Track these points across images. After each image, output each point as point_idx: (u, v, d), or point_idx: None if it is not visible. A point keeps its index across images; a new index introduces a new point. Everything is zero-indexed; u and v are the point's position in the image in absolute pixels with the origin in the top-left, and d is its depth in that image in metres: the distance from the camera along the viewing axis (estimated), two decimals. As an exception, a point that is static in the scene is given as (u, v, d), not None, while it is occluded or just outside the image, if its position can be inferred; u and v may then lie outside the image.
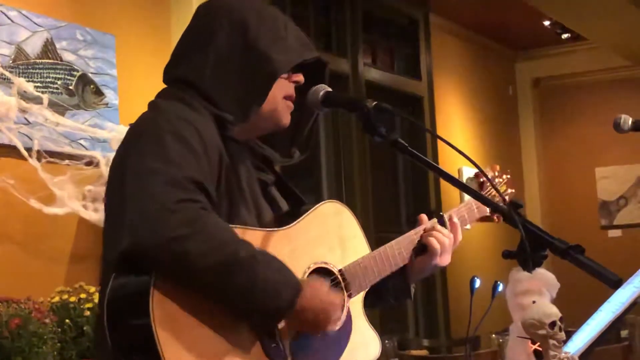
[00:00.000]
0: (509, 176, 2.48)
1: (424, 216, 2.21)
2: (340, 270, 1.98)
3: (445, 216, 2.21)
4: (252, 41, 1.94)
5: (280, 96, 1.98)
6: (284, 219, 1.97)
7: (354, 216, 2.09)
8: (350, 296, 1.98)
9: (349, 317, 1.97)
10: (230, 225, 1.80)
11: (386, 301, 2.21)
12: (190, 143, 1.79)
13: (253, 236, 1.83)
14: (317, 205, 2.02)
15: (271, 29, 1.96)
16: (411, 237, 2.15)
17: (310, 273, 1.93)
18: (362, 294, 2.03)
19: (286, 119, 2.01)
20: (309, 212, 1.99)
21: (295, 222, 1.95)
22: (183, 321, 1.70)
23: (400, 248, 2.12)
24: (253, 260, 1.72)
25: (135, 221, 1.69)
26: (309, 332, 1.85)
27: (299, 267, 1.90)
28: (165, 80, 2.00)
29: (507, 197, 2.44)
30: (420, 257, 2.15)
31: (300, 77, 2.02)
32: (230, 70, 1.93)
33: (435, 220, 2.19)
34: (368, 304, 2.07)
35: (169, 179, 1.72)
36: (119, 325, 1.73)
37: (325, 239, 2.00)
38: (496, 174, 2.45)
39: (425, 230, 2.16)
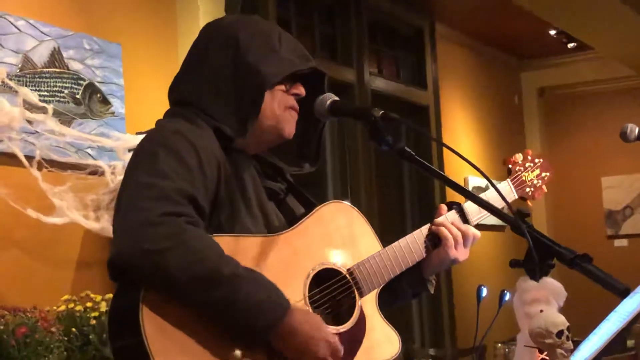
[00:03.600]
0: (542, 160, 2.46)
1: (443, 206, 2.19)
2: (349, 270, 1.97)
3: (466, 208, 2.17)
4: (243, 55, 1.95)
5: (279, 108, 1.99)
6: (285, 226, 1.97)
7: (362, 215, 2.08)
8: (361, 295, 1.97)
9: (362, 316, 1.96)
10: (227, 235, 1.81)
11: (403, 298, 2.19)
12: (183, 156, 1.81)
13: (251, 243, 1.83)
14: (319, 207, 2.01)
15: (263, 42, 1.98)
16: (426, 231, 2.14)
17: (317, 274, 1.92)
18: (375, 292, 2.01)
19: (289, 130, 2.02)
20: (309, 214, 1.99)
21: (295, 225, 1.94)
22: (176, 335, 1.71)
23: (415, 243, 2.11)
24: (236, 277, 1.71)
25: (119, 233, 1.74)
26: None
27: (301, 270, 1.89)
28: (170, 102, 2.03)
29: (540, 181, 2.43)
30: (435, 250, 2.13)
31: (299, 89, 2.02)
32: (224, 86, 1.95)
33: (453, 213, 2.17)
34: (386, 303, 2.06)
35: (157, 192, 1.74)
36: (118, 344, 1.77)
37: (331, 239, 1.98)
38: (528, 157, 2.44)
39: (436, 222, 2.14)
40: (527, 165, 2.43)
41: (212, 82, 1.96)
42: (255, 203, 1.92)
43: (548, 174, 2.46)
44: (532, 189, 2.42)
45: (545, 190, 2.46)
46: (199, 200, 1.79)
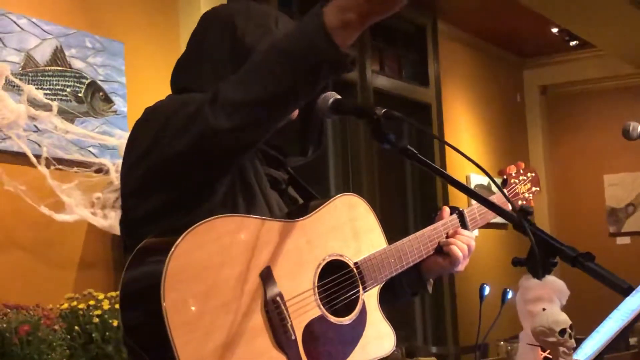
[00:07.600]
0: (534, 174, 2.48)
1: (446, 210, 2.21)
2: (355, 264, 1.98)
3: (466, 214, 2.21)
4: (240, 39, 1.94)
5: None
6: (294, 214, 1.97)
7: (372, 209, 2.09)
8: (365, 289, 1.98)
9: (363, 311, 1.97)
10: (246, 215, 1.81)
11: (403, 297, 2.21)
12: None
13: (270, 226, 1.83)
14: (333, 198, 2.02)
15: (259, 24, 1.96)
16: (431, 236, 2.15)
17: (325, 265, 1.93)
18: (377, 288, 2.02)
19: None
20: (324, 204, 1.99)
21: (310, 214, 1.95)
22: (196, 308, 1.69)
23: (419, 245, 2.12)
24: (261, 51, 1.73)
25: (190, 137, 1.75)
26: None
27: (313, 259, 1.90)
28: (172, 91, 2.03)
29: (531, 195, 2.46)
30: (437, 259, 2.15)
31: None
32: (222, 71, 1.93)
33: (455, 218, 2.19)
34: (385, 300, 2.07)
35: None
36: (132, 311, 1.71)
37: (340, 231, 1.99)
38: (521, 171, 2.46)
39: (447, 235, 2.16)
40: (520, 178, 2.45)
41: (211, 68, 1.95)
42: (257, 191, 1.92)
43: (537, 188, 2.49)
44: (524, 202, 2.44)
45: (533, 205, 2.48)
46: None
